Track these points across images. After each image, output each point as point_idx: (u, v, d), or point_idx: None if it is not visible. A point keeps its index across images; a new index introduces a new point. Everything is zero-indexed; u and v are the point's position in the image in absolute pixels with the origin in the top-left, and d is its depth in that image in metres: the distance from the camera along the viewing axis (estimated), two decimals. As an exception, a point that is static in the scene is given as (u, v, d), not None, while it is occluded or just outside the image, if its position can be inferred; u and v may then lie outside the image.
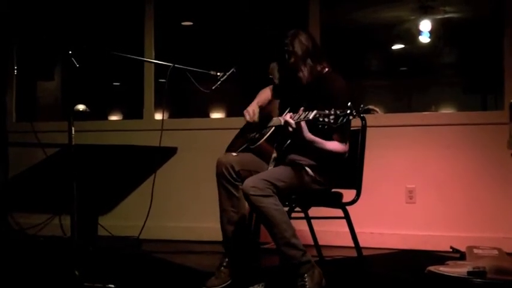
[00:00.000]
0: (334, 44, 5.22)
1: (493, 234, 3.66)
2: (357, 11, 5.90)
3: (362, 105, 2.22)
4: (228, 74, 2.82)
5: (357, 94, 2.31)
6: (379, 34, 6.66)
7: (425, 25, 5.48)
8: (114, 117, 8.82)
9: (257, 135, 2.78)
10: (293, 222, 2.46)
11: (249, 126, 2.99)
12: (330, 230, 3.52)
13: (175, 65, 2.80)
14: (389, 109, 7.50)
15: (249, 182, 2.40)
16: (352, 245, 2.74)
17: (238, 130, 3.09)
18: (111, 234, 3.36)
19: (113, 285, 2.49)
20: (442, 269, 2.61)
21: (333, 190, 2.74)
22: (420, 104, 8.07)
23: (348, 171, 2.73)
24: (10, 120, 4.66)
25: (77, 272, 2.41)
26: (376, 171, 3.66)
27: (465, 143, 3.84)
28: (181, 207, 4.25)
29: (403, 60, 7.68)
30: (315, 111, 2.27)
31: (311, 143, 2.47)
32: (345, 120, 2.20)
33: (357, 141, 2.74)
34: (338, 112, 2.21)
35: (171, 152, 3.26)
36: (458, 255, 3.13)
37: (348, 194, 2.73)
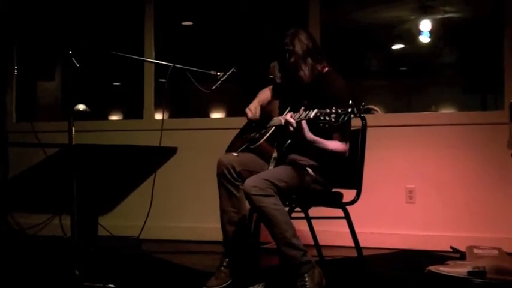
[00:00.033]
0: (334, 44, 5.22)
1: (493, 234, 3.66)
2: (357, 11, 5.90)
3: (363, 103, 2.22)
4: (228, 74, 2.82)
5: (357, 94, 2.31)
6: (379, 34, 6.66)
7: (425, 25, 5.48)
8: (114, 117, 8.83)
9: (257, 135, 2.78)
10: (293, 222, 2.46)
11: (250, 126, 2.99)
12: (330, 230, 3.52)
13: (176, 65, 2.80)
14: (390, 109, 7.51)
15: (250, 182, 2.40)
16: (352, 245, 2.74)
17: (238, 130, 3.09)
18: (111, 234, 3.35)
19: (113, 285, 2.49)
20: (442, 269, 2.61)
21: (333, 190, 2.74)
22: (420, 104, 8.07)
23: (348, 171, 2.73)
24: (10, 120, 4.66)
25: (77, 272, 2.41)
26: (376, 171, 3.67)
27: (465, 143, 3.84)
28: (182, 207, 4.26)
29: (403, 60, 7.68)
30: (315, 110, 2.26)
31: (312, 142, 2.47)
32: (346, 118, 2.20)
33: (357, 141, 2.74)
34: (339, 110, 2.21)
35: (171, 152, 3.25)
36: (458, 255, 3.13)
37: (348, 194, 2.73)
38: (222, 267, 2.67)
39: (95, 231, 3.21)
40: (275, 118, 2.73)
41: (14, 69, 4.77)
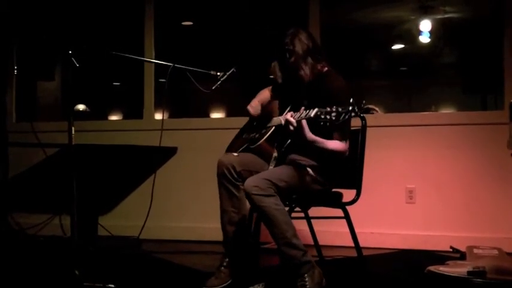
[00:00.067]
0: (334, 44, 5.22)
1: (493, 234, 3.66)
2: (357, 11, 5.90)
3: (364, 102, 2.21)
4: (228, 74, 2.82)
5: (357, 94, 2.30)
6: (379, 34, 6.66)
7: (425, 25, 5.48)
8: (114, 117, 8.83)
9: (257, 135, 2.78)
10: (293, 222, 2.46)
11: (249, 126, 2.99)
12: (330, 230, 3.52)
13: (176, 65, 2.80)
14: (389, 109, 7.51)
15: (251, 182, 2.40)
16: (352, 245, 2.73)
17: (238, 130, 3.09)
18: (111, 234, 3.36)
19: (113, 285, 2.49)
20: (442, 269, 2.61)
21: (333, 190, 2.74)
22: (420, 104, 8.07)
23: (348, 171, 2.73)
24: (10, 120, 4.66)
25: (77, 272, 2.41)
26: (376, 171, 3.67)
27: (465, 143, 3.84)
28: (181, 207, 4.26)
29: (403, 60, 7.68)
30: (316, 109, 2.26)
31: (312, 142, 2.47)
32: (347, 116, 2.19)
33: (357, 141, 2.74)
34: (340, 109, 2.20)
35: (171, 152, 3.25)
36: (458, 255, 3.13)
37: (348, 194, 2.73)
38: (222, 267, 2.67)
39: (95, 231, 3.21)
40: (275, 118, 2.73)
41: (14, 69, 4.77)
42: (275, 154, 2.66)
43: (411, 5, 5.48)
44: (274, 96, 2.95)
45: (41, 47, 4.82)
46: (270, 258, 3.09)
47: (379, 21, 6.09)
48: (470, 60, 6.39)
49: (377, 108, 4.43)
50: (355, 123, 2.69)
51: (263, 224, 2.50)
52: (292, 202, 2.57)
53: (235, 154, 2.74)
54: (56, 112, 5.81)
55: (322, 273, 2.45)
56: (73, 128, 2.47)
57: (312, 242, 3.10)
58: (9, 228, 3.84)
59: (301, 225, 2.77)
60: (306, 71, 2.63)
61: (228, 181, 2.64)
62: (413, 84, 8.32)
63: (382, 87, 8.61)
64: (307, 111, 2.33)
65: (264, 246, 3.34)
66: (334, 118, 2.20)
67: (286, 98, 2.78)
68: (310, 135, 2.44)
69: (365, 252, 2.87)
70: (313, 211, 2.77)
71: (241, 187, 2.58)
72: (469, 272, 2.49)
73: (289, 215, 2.49)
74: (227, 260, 2.68)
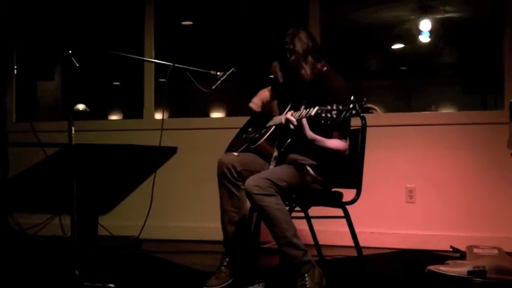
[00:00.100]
0: (334, 44, 5.23)
1: (493, 234, 3.66)
2: (357, 11, 5.90)
3: (364, 99, 2.21)
4: (228, 73, 2.83)
5: (357, 94, 2.30)
6: (379, 34, 6.66)
7: (425, 25, 5.49)
8: (114, 117, 8.84)
9: (257, 135, 2.78)
10: (293, 221, 2.46)
11: (250, 125, 2.99)
12: (330, 230, 3.52)
13: (175, 65, 2.80)
14: (389, 109, 7.51)
15: (252, 181, 2.40)
16: (352, 244, 2.73)
17: (238, 130, 3.09)
18: (111, 234, 3.35)
19: (113, 285, 2.49)
20: (442, 269, 2.61)
21: (333, 190, 2.74)
22: (420, 104, 8.08)
23: (348, 170, 2.73)
24: (10, 120, 4.66)
25: (77, 272, 2.41)
26: (376, 170, 3.67)
27: (465, 142, 3.84)
28: (181, 207, 4.26)
29: (403, 60, 7.69)
30: (316, 108, 2.26)
31: (312, 141, 2.46)
32: (348, 114, 2.18)
33: (357, 141, 2.74)
34: (341, 107, 2.20)
35: (171, 151, 3.25)
36: (458, 254, 3.13)
37: (348, 194, 2.73)
38: (222, 267, 2.67)
39: (95, 231, 3.21)
40: (275, 117, 2.73)
41: (14, 69, 4.77)
42: (275, 153, 2.66)
43: (411, 5, 5.48)
44: (273, 96, 2.95)
45: (41, 47, 4.82)
46: (270, 258, 3.09)
47: (379, 21, 6.09)
48: (470, 60, 6.39)
49: (376, 108, 4.43)
50: (355, 122, 2.69)
51: (263, 224, 2.49)
52: (292, 202, 2.57)
53: (236, 154, 2.74)
54: (56, 112, 5.81)
55: (322, 273, 2.45)
56: (73, 128, 2.47)
57: (312, 242, 3.10)
58: (9, 228, 3.84)
59: (301, 225, 2.76)
60: (306, 70, 2.64)
61: (229, 181, 2.64)
62: (413, 84, 8.33)
63: (382, 87, 8.61)
64: (308, 109, 2.33)
65: (264, 246, 3.34)
66: (335, 116, 2.20)
67: (286, 98, 2.78)
68: (310, 133, 2.44)
69: (365, 252, 2.87)
70: (313, 211, 2.77)
71: (242, 187, 2.58)
72: (469, 272, 2.49)
73: (289, 214, 2.49)
74: (227, 259, 2.68)
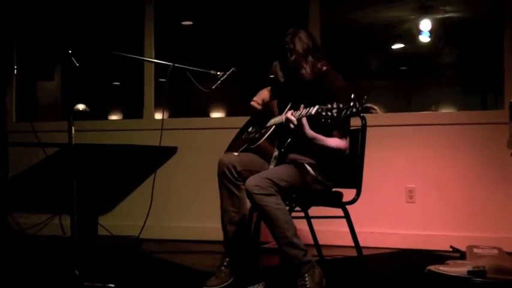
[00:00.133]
0: (334, 44, 5.22)
1: (493, 234, 3.66)
2: (357, 11, 5.91)
3: (365, 97, 2.20)
4: (228, 73, 2.83)
5: (357, 94, 2.30)
6: (379, 34, 6.67)
7: (425, 25, 5.49)
8: (114, 117, 8.84)
9: (257, 135, 2.78)
10: (293, 221, 2.45)
11: (250, 125, 2.99)
12: (330, 230, 3.52)
13: (175, 65, 2.80)
14: (389, 109, 7.52)
15: (252, 181, 2.40)
16: (352, 244, 2.73)
17: (238, 130, 3.09)
18: (111, 233, 3.35)
19: (113, 285, 2.49)
20: (442, 269, 2.61)
21: (333, 189, 2.73)
22: (420, 104, 8.08)
23: (348, 170, 2.73)
24: (10, 120, 4.66)
25: (77, 272, 2.41)
26: (376, 170, 3.67)
27: (465, 142, 3.84)
28: (181, 207, 4.25)
29: (403, 60, 7.69)
30: (317, 106, 2.26)
31: (312, 139, 2.46)
32: (348, 112, 2.18)
33: (357, 141, 2.74)
34: (341, 105, 2.19)
35: (171, 151, 3.25)
36: (458, 254, 3.13)
37: (348, 194, 2.73)
38: (223, 267, 2.67)
39: (95, 231, 3.21)
40: (275, 117, 2.73)
41: (14, 69, 4.77)
42: (275, 153, 2.66)
43: (411, 5, 5.48)
44: (273, 96, 2.95)
45: (41, 47, 4.82)
46: (270, 258, 3.10)
47: (379, 21, 6.09)
48: (470, 60, 6.39)
49: (376, 107, 4.43)
50: (355, 122, 2.69)
51: (263, 224, 2.49)
52: (292, 201, 2.57)
53: (236, 154, 2.74)
54: (56, 112, 5.82)
55: (322, 273, 2.45)
56: (73, 128, 2.47)
57: (312, 242, 3.10)
58: (9, 228, 3.84)
59: (301, 225, 2.76)
60: (307, 69, 2.64)
61: (229, 181, 2.64)
62: (413, 84, 8.33)
63: (382, 87, 8.61)
64: (308, 108, 2.33)
65: (264, 246, 3.34)
66: (335, 115, 2.19)
67: (286, 97, 2.78)
68: (310, 132, 2.44)
69: (365, 252, 2.87)
70: (313, 210, 2.77)
71: (242, 187, 2.58)
72: (469, 272, 2.49)
73: (290, 214, 2.49)
74: (227, 259, 2.68)
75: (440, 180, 3.85)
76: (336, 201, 2.73)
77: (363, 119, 2.75)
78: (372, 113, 4.14)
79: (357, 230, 2.73)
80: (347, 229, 2.72)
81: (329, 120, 2.21)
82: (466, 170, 3.83)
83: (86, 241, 2.94)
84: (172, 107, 6.02)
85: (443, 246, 3.44)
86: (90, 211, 3.13)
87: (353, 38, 6.64)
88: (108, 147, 3.08)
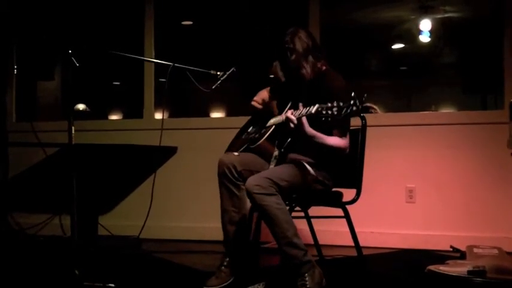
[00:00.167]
0: (334, 44, 5.22)
1: (493, 234, 3.66)
2: (357, 11, 5.90)
3: (365, 95, 2.20)
4: (228, 73, 2.83)
5: (357, 93, 2.30)
6: (379, 34, 6.66)
7: (425, 25, 5.48)
8: (114, 117, 8.83)
9: (257, 136, 2.79)
10: (293, 221, 2.45)
11: (250, 125, 2.99)
12: (330, 230, 3.52)
13: (175, 65, 2.80)
14: (389, 109, 7.51)
15: (252, 181, 2.40)
16: (352, 244, 2.73)
17: (238, 130, 3.09)
18: (111, 233, 3.36)
19: (113, 285, 2.49)
20: (442, 268, 2.61)
21: (333, 189, 2.74)
22: (420, 104, 8.07)
23: (348, 170, 2.73)
24: (10, 120, 4.67)
25: (77, 272, 2.41)
26: (376, 170, 3.67)
27: (465, 142, 3.84)
28: (182, 207, 4.26)
29: (403, 60, 7.68)
30: (317, 105, 2.26)
31: (311, 137, 2.45)
32: (349, 110, 2.17)
33: (357, 141, 2.74)
34: (341, 103, 2.19)
35: (171, 151, 3.25)
36: (458, 254, 3.13)
37: (348, 194, 2.73)
38: (223, 267, 2.67)
39: (95, 231, 3.21)
40: (275, 117, 2.73)
41: (14, 69, 4.78)
42: (276, 153, 2.66)
43: (411, 5, 5.48)
44: (272, 96, 2.95)
45: (41, 47, 4.82)
46: (270, 257, 3.10)
47: (379, 21, 6.09)
48: (470, 60, 6.39)
49: (375, 107, 4.43)
50: (355, 122, 2.69)
51: (264, 224, 2.49)
52: (292, 201, 2.57)
53: (236, 154, 2.74)
54: (56, 112, 5.81)
55: (322, 273, 2.45)
56: (73, 128, 2.47)
57: (312, 242, 3.10)
58: (9, 228, 3.84)
59: (301, 225, 2.76)
60: (307, 69, 2.64)
61: (229, 181, 2.64)
62: (413, 84, 8.32)
63: (382, 87, 8.60)
64: (308, 107, 2.33)
65: (264, 246, 3.34)
66: (336, 113, 2.19)
67: (286, 97, 2.78)
68: (310, 130, 2.43)
69: (365, 252, 2.87)
70: (313, 210, 2.77)
71: (242, 187, 2.58)
72: (469, 272, 2.49)
73: (290, 214, 2.49)
74: (227, 259, 2.68)
75: (440, 180, 3.85)
76: (336, 201, 2.73)
77: (363, 119, 2.75)
78: (371, 112, 4.13)
79: (357, 230, 2.73)
80: (347, 229, 2.72)
81: (329, 119, 2.21)
82: (466, 170, 3.83)
83: (86, 241, 2.94)
84: (172, 107, 6.01)
85: (443, 246, 3.44)
86: (90, 211, 3.13)
87: (353, 38, 6.63)
88: (108, 147, 3.08)
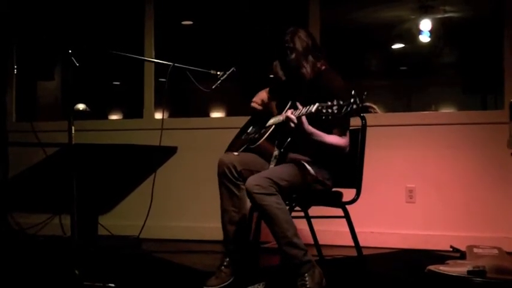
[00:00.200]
0: (334, 44, 5.22)
1: (493, 234, 3.66)
2: (357, 11, 5.90)
3: (365, 93, 2.20)
4: (228, 73, 2.83)
5: (357, 91, 2.29)
6: (379, 34, 6.65)
7: (425, 24, 5.48)
8: (114, 117, 8.82)
9: (257, 136, 2.79)
10: (293, 221, 2.45)
11: (250, 124, 2.99)
12: (330, 230, 3.52)
13: (175, 64, 2.80)
14: (389, 109, 7.50)
15: (252, 180, 2.40)
16: (352, 244, 2.73)
17: (238, 130, 3.09)
18: (111, 233, 3.36)
19: (113, 285, 2.49)
20: (442, 268, 2.61)
21: (333, 189, 2.74)
22: (420, 104, 8.06)
23: (348, 170, 2.73)
24: (10, 120, 4.67)
25: (77, 272, 2.41)
26: (376, 170, 3.67)
27: (465, 142, 3.84)
28: (182, 207, 4.26)
29: (403, 60, 7.67)
30: (317, 104, 2.26)
31: (311, 135, 2.45)
32: (349, 109, 2.17)
33: (357, 141, 2.74)
34: (341, 102, 2.19)
35: (171, 151, 3.25)
36: (458, 254, 3.13)
37: (348, 193, 2.73)
38: (223, 267, 2.67)
39: (95, 230, 3.21)
40: (275, 117, 2.73)
41: (14, 69, 4.78)
42: (275, 153, 2.66)
43: (411, 5, 5.47)
44: (271, 97, 2.95)
45: (41, 47, 4.82)
46: (270, 257, 3.10)
47: (379, 21, 6.08)
48: (470, 60, 6.38)
49: (375, 107, 4.43)
50: (355, 122, 2.69)
51: (264, 223, 2.50)
52: (292, 201, 2.57)
53: (236, 153, 2.74)
54: (56, 112, 5.81)
55: (322, 273, 2.45)
56: (73, 128, 2.47)
57: (312, 242, 3.10)
58: (9, 228, 3.84)
59: (301, 225, 2.76)
60: (307, 68, 2.64)
61: (229, 180, 2.64)
62: (413, 84, 8.31)
63: (382, 87, 8.59)
64: (308, 107, 2.33)
65: (264, 246, 3.34)
66: (336, 111, 2.19)
67: (286, 96, 2.78)
68: (309, 128, 2.42)
69: (365, 252, 2.87)
70: (313, 210, 2.77)
71: (242, 186, 2.58)
72: (469, 272, 2.49)
73: (290, 214, 2.49)
74: (227, 259, 2.68)
75: (440, 180, 3.86)
76: (336, 201, 2.73)
77: (363, 118, 2.75)
78: (371, 112, 4.13)
79: (357, 230, 2.73)
80: (347, 229, 2.72)
81: (330, 117, 2.21)
82: (466, 170, 3.83)
83: (86, 241, 2.94)
84: (172, 106, 6.01)
85: (443, 246, 3.44)
86: (90, 211, 3.13)
87: (353, 38, 6.63)
88: (108, 147, 3.08)
